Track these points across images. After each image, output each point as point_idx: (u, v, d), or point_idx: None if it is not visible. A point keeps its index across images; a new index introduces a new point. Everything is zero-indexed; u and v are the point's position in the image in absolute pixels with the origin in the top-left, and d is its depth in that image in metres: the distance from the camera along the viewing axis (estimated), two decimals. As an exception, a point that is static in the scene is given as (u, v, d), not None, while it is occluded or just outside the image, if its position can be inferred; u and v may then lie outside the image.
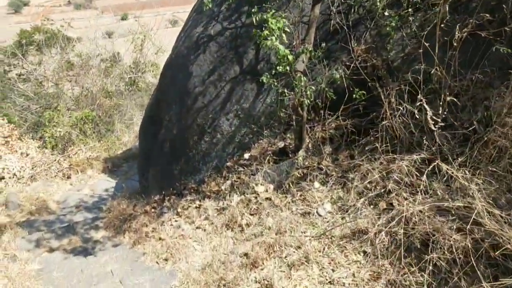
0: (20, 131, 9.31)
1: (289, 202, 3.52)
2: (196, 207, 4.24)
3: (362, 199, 3.11)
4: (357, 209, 3.08)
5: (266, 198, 3.72)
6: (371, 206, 3.05)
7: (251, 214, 3.67)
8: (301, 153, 3.73)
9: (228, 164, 4.46)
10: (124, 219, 4.86)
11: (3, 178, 7.59)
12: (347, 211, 3.18)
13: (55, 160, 8.34)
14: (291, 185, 3.65)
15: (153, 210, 4.76)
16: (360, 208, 3.07)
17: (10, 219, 5.96)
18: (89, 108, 10.03)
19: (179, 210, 4.33)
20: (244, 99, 4.43)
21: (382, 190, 3.06)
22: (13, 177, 7.65)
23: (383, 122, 3.28)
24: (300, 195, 3.51)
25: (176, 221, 4.21)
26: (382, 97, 3.34)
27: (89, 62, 11.18)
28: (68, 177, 7.87)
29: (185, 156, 4.84)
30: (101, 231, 5.03)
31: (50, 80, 10.49)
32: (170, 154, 5.08)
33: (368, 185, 3.17)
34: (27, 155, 8.49)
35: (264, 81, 3.66)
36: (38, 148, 8.78)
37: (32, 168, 8.17)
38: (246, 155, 4.35)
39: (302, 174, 3.64)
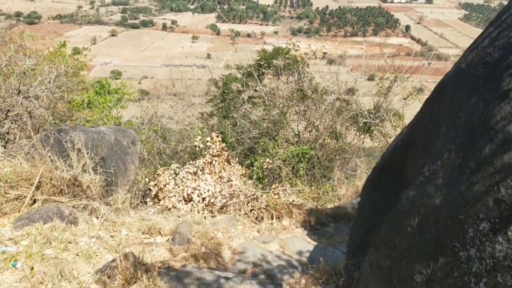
0: (231, 154, 8.26)
1: None
2: None
3: None
4: None
5: None
6: None
7: None
8: None
9: None
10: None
11: (191, 200, 6.41)
12: None
13: (253, 194, 6.84)
14: None
15: None
16: None
17: (166, 257, 4.47)
18: (309, 146, 8.37)
19: None
20: None
21: None
22: (201, 202, 6.40)
23: None
24: None
25: None
26: None
27: (323, 96, 9.66)
28: (259, 220, 6.18)
29: (451, 255, 2.35)
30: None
31: (277, 106, 9.34)
32: (419, 240, 2.65)
33: None
34: (229, 180, 7.24)
35: None
36: (241, 176, 7.48)
37: (231, 197, 6.84)
38: None
39: None
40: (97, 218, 5.42)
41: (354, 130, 9.81)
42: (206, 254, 4.71)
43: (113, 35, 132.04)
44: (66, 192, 5.64)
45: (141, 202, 7.02)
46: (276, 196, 6.56)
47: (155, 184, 7.01)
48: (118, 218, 5.42)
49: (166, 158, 9.76)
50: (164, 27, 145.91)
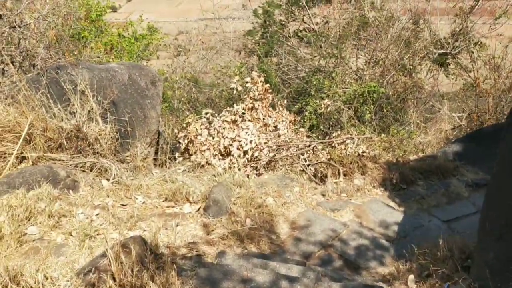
0: (277, 97, 6.66)
1: None
2: None
3: None
4: None
5: None
6: None
7: None
8: None
9: None
10: None
11: (229, 154, 4.95)
12: None
13: (309, 146, 5.31)
14: None
15: None
16: None
17: (196, 236, 3.06)
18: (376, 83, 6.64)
19: None
20: None
21: None
22: (242, 156, 4.93)
23: None
24: None
25: None
26: None
27: (389, 23, 7.77)
28: (322, 179, 4.66)
29: None
30: None
31: (331, 39, 7.57)
32: None
33: None
34: (275, 129, 5.72)
35: None
36: (290, 123, 5.93)
37: (277, 149, 5.34)
38: None
39: None
40: (108, 180, 4.08)
41: (427, 63, 7.95)
42: (253, 230, 3.27)
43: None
44: (67, 147, 4.29)
45: (169, 159, 5.67)
46: (341, 147, 4.98)
47: (185, 136, 5.59)
48: (134, 180, 4.04)
49: (199, 107, 8.34)
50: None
